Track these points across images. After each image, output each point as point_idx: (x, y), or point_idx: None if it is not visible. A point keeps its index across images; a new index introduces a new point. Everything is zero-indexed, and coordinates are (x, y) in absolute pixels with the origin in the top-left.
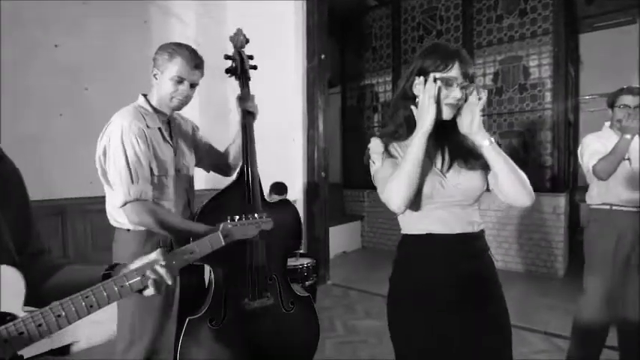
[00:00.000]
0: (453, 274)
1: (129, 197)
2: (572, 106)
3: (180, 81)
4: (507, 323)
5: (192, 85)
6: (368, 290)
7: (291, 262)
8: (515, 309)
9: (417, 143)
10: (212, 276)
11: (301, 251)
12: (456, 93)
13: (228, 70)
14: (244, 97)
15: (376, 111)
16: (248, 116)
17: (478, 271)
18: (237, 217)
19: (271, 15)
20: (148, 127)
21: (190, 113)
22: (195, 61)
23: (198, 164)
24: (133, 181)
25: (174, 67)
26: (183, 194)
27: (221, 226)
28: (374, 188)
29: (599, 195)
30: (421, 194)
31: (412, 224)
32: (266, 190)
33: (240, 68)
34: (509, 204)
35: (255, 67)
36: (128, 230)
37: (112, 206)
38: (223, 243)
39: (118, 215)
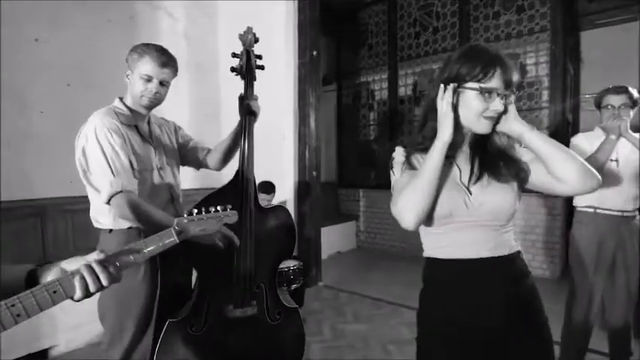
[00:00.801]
0: (485, 303)
1: (111, 190)
2: (571, 105)
3: (148, 79)
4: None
5: (162, 84)
6: (359, 292)
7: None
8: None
9: (433, 156)
10: (197, 279)
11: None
12: (496, 105)
13: (233, 69)
14: (248, 97)
15: (372, 109)
16: (250, 117)
17: (516, 297)
18: (196, 210)
19: (262, 9)
20: (122, 123)
21: (180, 112)
22: (163, 59)
23: (184, 163)
24: (114, 174)
25: (143, 66)
26: (166, 191)
27: (175, 221)
28: (370, 187)
29: (584, 197)
30: (440, 212)
31: (432, 246)
32: None
33: (246, 67)
34: (574, 192)
35: (262, 67)
36: (110, 231)
37: (96, 206)
38: (177, 240)
39: (101, 215)
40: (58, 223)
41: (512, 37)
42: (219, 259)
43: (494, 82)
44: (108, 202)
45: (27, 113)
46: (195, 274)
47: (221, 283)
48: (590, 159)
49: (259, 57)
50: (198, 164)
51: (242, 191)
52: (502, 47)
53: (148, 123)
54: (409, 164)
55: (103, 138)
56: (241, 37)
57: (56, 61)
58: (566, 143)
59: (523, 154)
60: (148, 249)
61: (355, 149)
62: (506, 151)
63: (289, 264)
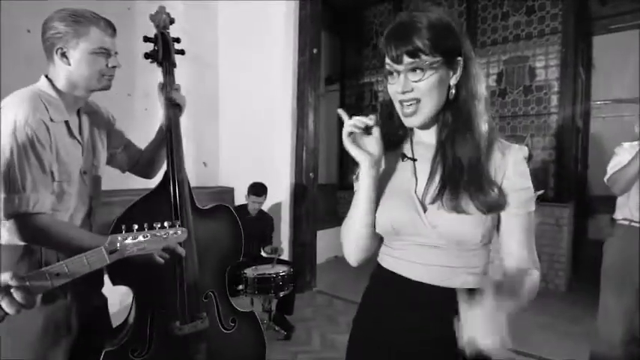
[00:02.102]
0: (404, 329)
1: (15, 209)
2: (581, 112)
3: (105, 53)
4: None
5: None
6: (354, 300)
7: (265, 270)
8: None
9: (361, 184)
10: (133, 298)
11: (279, 257)
12: (396, 85)
13: (148, 55)
14: (168, 86)
15: (375, 110)
16: (173, 109)
17: (435, 334)
18: (136, 226)
19: (262, 4)
20: (51, 120)
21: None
22: (112, 27)
23: (110, 163)
24: (25, 189)
25: (93, 38)
26: (86, 202)
27: (108, 239)
28: None
29: (620, 209)
30: (382, 226)
31: (382, 250)
32: (243, 190)
33: (162, 53)
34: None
35: (182, 52)
36: None
37: None
38: (108, 261)
39: None
40: None
41: (521, 39)
42: (157, 273)
43: (387, 57)
44: (6, 219)
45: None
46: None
47: (162, 298)
48: (620, 171)
49: (177, 40)
50: (127, 168)
51: (174, 192)
52: (511, 49)
53: (78, 113)
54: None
55: (22, 138)
56: (152, 17)
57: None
58: (576, 150)
59: (510, 166)
60: (70, 271)
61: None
62: (479, 167)
63: (278, 269)
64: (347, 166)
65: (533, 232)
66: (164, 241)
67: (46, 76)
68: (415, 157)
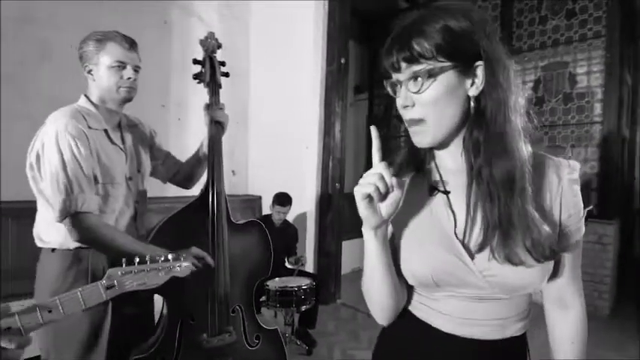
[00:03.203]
0: None
1: (66, 209)
2: (628, 121)
3: (121, 66)
4: None
5: (136, 69)
6: None
7: (287, 282)
8: (539, 355)
9: (368, 247)
10: (164, 307)
11: (302, 267)
12: (399, 99)
13: (195, 76)
14: (213, 106)
15: (402, 120)
16: (216, 126)
17: None
18: (138, 259)
19: (293, 15)
20: (89, 127)
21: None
22: (129, 41)
23: (153, 174)
24: (73, 191)
25: (110, 53)
26: (131, 206)
27: (107, 273)
28: None
29: None
30: (419, 278)
31: (411, 299)
32: (270, 199)
33: (209, 75)
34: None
35: (227, 75)
36: (53, 250)
37: (42, 220)
38: (105, 297)
39: (45, 233)
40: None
41: (560, 44)
42: (190, 283)
43: (387, 66)
44: (60, 220)
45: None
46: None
47: (193, 308)
48: None
49: (223, 64)
50: (167, 179)
51: (212, 207)
52: (549, 55)
53: (119, 125)
54: None
55: (65, 146)
56: (203, 42)
57: None
58: (621, 162)
59: (566, 191)
60: (64, 309)
61: (385, 160)
62: (528, 206)
63: (300, 282)
64: None
65: (580, 259)
66: (166, 274)
67: (85, 95)
68: (448, 189)
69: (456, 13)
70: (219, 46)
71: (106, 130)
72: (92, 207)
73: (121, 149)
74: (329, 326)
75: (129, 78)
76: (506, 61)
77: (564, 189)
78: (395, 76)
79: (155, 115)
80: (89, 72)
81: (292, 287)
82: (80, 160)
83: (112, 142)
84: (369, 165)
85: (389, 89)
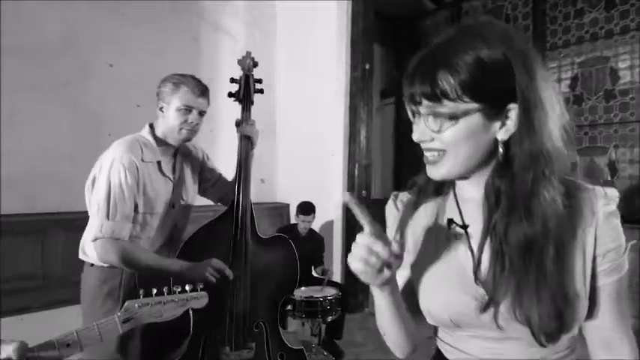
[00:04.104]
0: None
1: (99, 234)
2: None
3: (188, 110)
4: None
5: (201, 113)
6: None
7: (313, 292)
8: None
9: (380, 309)
10: (190, 318)
11: (329, 279)
12: (415, 131)
13: (231, 94)
14: (244, 122)
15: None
16: (246, 141)
17: None
18: (155, 290)
19: (316, 23)
20: (142, 160)
21: (234, 127)
22: (200, 89)
23: (204, 194)
24: (109, 217)
25: (181, 96)
26: (167, 230)
27: (125, 305)
28: None
29: None
30: (436, 318)
31: (439, 336)
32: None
33: (244, 92)
34: None
35: (261, 91)
36: (92, 265)
37: (85, 238)
38: (121, 331)
39: (88, 248)
40: None
41: (599, 38)
42: (212, 296)
43: (405, 94)
44: (93, 240)
45: (97, 134)
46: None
47: (216, 322)
48: None
49: (259, 81)
50: (217, 199)
51: (236, 221)
52: (587, 50)
53: (175, 155)
54: (400, 233)
55: (115, 175)
56: (240, 62)
57: (127, 84)
58: None
59: (602, 226)
60: (81, 341)
61: (413, 164)
62: (546, 252)
63: (326, 293)
64: (404, 180)
65: (627, 298)
66: (182, 305)
67: (150, 124)
68: (467, 223)
69: (493, 40)
70: (256, 65)
71: (159, 162)
72: (123, 234)
73: (170, 180)
74: (357, 337)
75: (192, 122)
76: (547, 103)
77: (599, 223)
78: (411, 107)
79: None
80: (160, 109)
81: (318, 297)
82: (125, 190)
83: (163, 174)
84: (396, 169)
85: (409, 112)
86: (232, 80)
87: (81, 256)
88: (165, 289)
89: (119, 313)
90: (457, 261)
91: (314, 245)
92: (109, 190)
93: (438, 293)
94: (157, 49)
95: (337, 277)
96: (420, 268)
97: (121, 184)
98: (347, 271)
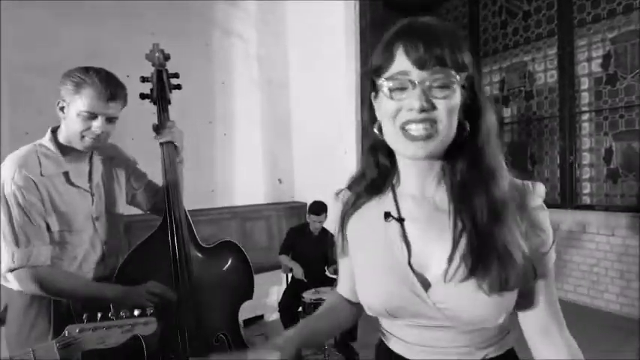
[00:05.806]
0: None
1: (12, 264)
2: None
3: (91, 117)
4: None
5: (110, 120)
6: None
7: (323, 294)
8: None
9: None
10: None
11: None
12: (409, 100)
13: (143, 95)
14: (162, 125)
15: None
16: (168, 147)
17: None
18: (100, 314)
19: (325, 21)
20: (42, 174)
21: (249, 129)
22: (109, 92)
23: (131, 202)
24: (18, 245)
25: (83, 99)
26: (97, 248)
27: (65, 330)
28: None
29: None
30: (372, 307)
31: (380, 325)
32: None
33: (158, 90)
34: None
35: (178, 87)
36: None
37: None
38: (59, 357)
39: (9, 276)
40: None
41: (632, 10)
42: (162, 318)
43: (398, 63)
44: (5, 272)
45: (119, 138)
46: None
47: (170, 345)
48: None
49: (175, 75)
50: (147, 208)
51: (172, 236)
52: (619, 24)
53: (90, 160)
54: (342, 237)
55: (11, 197)
56: (148, 56)
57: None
58: None
59: (532, 216)
60: None
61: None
62: (506, 220)
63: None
64: None
65: (554, 285)
66: (128, 331)
67: (53, 129)
68: (402, 217)
69: (453, 27)
70: (167, 58)
71: (66, 173)
72: (41, 260)
73: (85, 190)
74: (372, 338)
75: (95, 130)
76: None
77: (529, 214)
78: (414, 75)
79: (203, 131)
80: (61, 109)
81: (318, 300)
82: (27, 211)
83: (74, 185)
84: None
85: (385, 90)
86: (143, 79)
87: (3, 282)
88: (111, 314)
89: (57, 343)
90: (393, 253)
91: (326, 244)
92: (10, 215)
93: (375, 285)
94: (171, 58)
95: None
96: (358, 262)
97: (21, 205)
98: None
